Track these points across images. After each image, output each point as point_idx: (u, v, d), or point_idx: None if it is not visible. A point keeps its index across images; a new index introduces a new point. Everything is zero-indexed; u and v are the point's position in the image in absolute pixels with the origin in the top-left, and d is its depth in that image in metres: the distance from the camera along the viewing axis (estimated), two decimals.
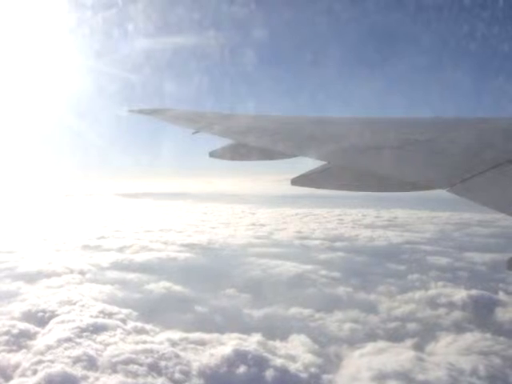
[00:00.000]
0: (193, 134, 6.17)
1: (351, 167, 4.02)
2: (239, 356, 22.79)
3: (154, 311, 29.84)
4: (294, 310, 29.77)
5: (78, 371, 21.61)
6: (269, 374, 21.65)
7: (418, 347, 25.10)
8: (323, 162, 4.05)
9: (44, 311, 29.08)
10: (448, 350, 24.62)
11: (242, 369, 21.95)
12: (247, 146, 5.26)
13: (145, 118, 8.24)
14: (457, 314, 30.18)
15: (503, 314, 29.52)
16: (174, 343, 24.51)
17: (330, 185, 3.98)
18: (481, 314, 30.04)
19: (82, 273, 38.06)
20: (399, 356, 23.07)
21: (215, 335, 25.35)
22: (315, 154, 4.33)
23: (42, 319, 28.05)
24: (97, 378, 21.20)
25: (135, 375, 21.49)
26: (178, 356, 23.17)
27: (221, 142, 5.63)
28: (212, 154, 5.65)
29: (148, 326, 27.00)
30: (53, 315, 28.41)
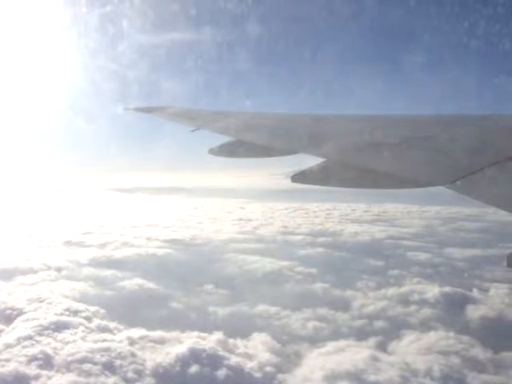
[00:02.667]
0: (192, 131, 6.17)
1: (351, 164, 4.03)
2: (194, 355, 22.72)
3: (122, 309, 29.86)
4: (260, 308, 29.64)
5: (31, 370, 21.66)
6: (221, 373, 21.60)
7: (380, 346, 24.89)
8: (322, 159, 4.07)
9: (12, 309, 29.12)
10: (408, 349, 24.40)
11: (194, 368, 21.89)
12: (246, 143, 5.28)
13: (143, 116, 8.29)
14: (426, 312, 29.92)
15: (473, 312, 29.21)
16: (133, 342, 24.49)
17: (329, 182, 4.05)
18: (451, 311, 29.77)
19: (58, 270, 38.11)
20: (356, 355, 22.88)
21: (175, 333, 25.32)
22: (315, 151, 4.35)
23: (9, 317, 28.11)
24: (49, 378, 21.25)
25: (88, 374, 21.51)
26: (134, 355, 23.15)
27: (220, 140, 5.66)
28: (211, 152, 5.69)
29: (112, 324, 26.99)
30: (20, 313, 28.46)
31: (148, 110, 8.05)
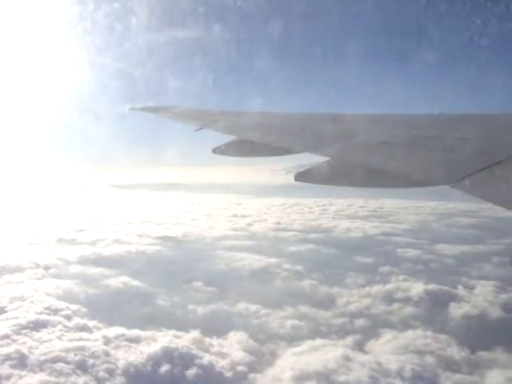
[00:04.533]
0: (196, 130, 6.18)
1: (355, 163, 4.04)
2: (166, 354, 22.69)
3: (104, 307, 29.87)
4: (241, 306, 29.52)
5: (3, 370, 21.75)
6: (191, 372, 21.55)
7: (357, 345, 24.74)
8: (326, 158, 4.05)
9: None
10: (384, 348, 24.19)
11: (165, 367, 21.86)
12: (251, 142, 5.31)
13: (147, 115, 8.25)
14: (408, 310, 29.67)
15: (455, 310, 28.93)
16: (108, 340, 24.49)
17: (333, 181, 4.04)
18: (433, 310, 29.49)
19: (46, 268, 38.24)
20: (329, 355, 22.69)
21: (152, 332, 25.30)
22: (319, 150, 4.35)
23: None
24: (20, 377, 21.32)
25: (59, 374, 21.57)
26: (107, 354, 23.17)
27: (222, 139, 5.67)
28: (215, 151, 5.69)
29: (92, 323, 26.98)
30: (1, 312, 28.58)
31: (153, 109, 8.07)
